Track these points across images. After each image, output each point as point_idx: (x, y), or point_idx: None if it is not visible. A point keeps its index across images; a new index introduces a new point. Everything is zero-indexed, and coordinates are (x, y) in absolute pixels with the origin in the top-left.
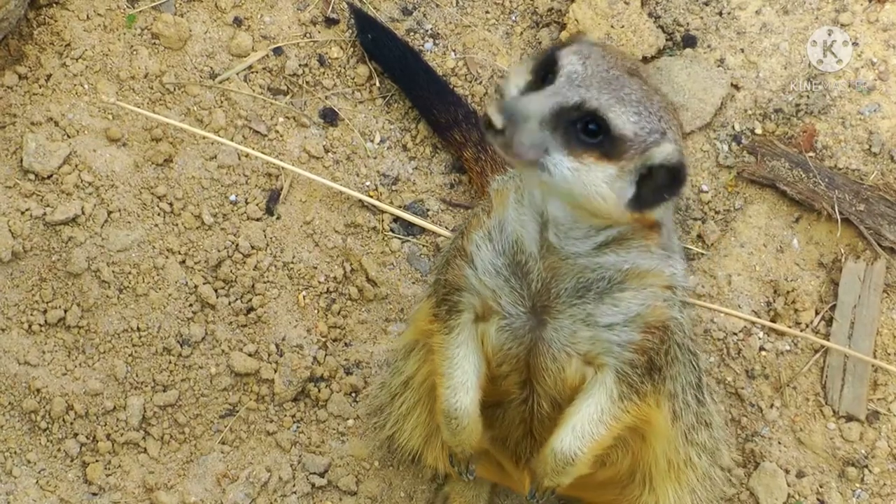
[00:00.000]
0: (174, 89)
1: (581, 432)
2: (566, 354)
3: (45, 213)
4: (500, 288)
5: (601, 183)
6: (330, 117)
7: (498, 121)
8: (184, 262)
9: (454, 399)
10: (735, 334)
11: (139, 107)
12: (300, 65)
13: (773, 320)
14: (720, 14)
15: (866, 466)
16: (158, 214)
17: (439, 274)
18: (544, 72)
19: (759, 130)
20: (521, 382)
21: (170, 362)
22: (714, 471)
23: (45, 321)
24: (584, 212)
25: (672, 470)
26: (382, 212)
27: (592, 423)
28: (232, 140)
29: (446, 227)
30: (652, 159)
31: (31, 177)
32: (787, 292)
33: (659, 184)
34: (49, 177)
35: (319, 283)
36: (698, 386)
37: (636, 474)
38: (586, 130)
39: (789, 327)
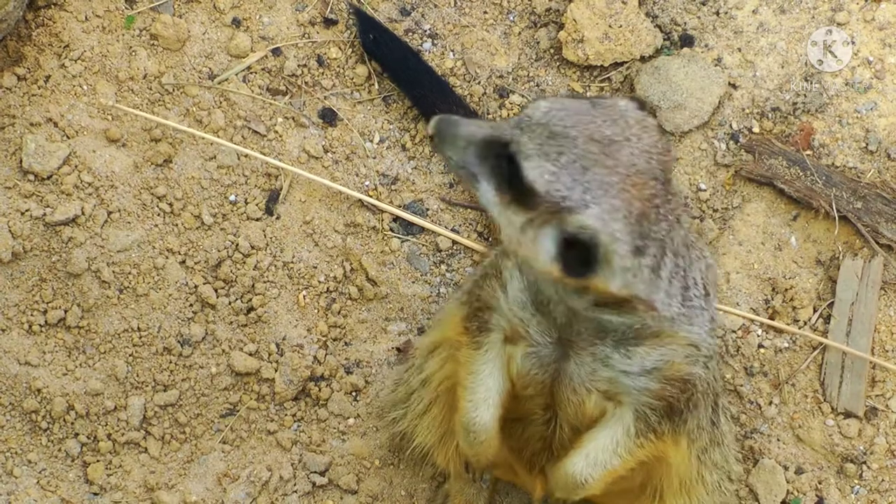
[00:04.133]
0: (173, 90)
1: (594, 460)
2: (586, 390)
3: (44, 214)
4: (527, 319)
5: (513, 226)
6: (329, 117)
7: (430, 129)
8: (184, 262)
9: (474, 414)
10: (734, 332)
11: (138, 108)
12: (299, 65)
13: (771, 318)
14: (717, 13)
15: (865, 463)
16: (158, 215)
17: (475, 286)
18: None
19: (756, 129)
20: (544, 405)
21: (170, 362)
22: (724, 484)
23: (46, 321)
24: None
25: (683, 487)
26: (382, 211)
27: (606, 454)
28: (231, 140)
29: (446, 227)
30: (565, 225)
31: (31, 177)
32: (786, 290)
33: (585, 256)
34: (49, 177)
35: (319, 282)
36: (714, 409)
37: (647, 487)
38: (511, 171)
39: (788, 325)
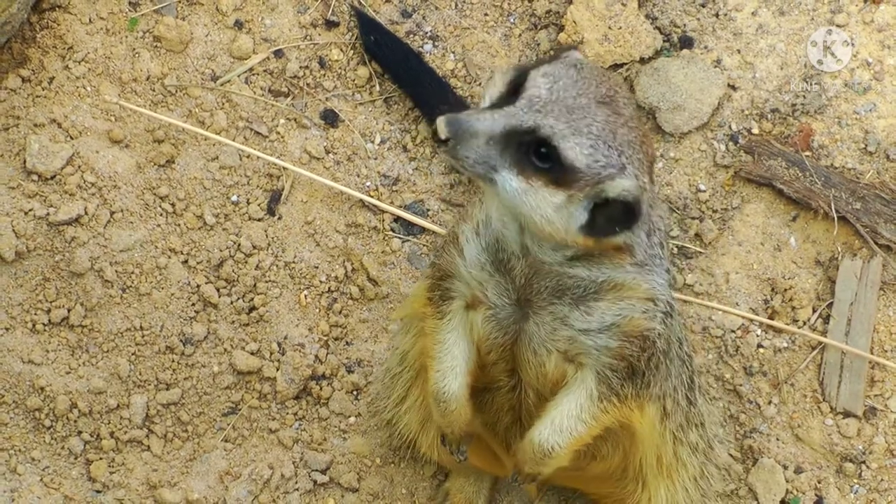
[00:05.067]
0: (176, 91)
1: (559, 427)
2: (546, 350)
3: (48, 214)
4: (485, 281)
5: (547, 207)
6: (330, 118)
7: (443, 133)
8: (186, 261)
9: (443, 383)
10: (733, 332)
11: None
12: (301, 67)
13: (770, 318)
14: (717, 15)
15: (864, 462)
16: (161, 215)
17: (436, 258)
18: (516, 87)
19: (755, 130)
20: (508, 371)
21: (173, 361)
22: (708, 469)
23: (49, 320)
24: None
25: (663, 468)
26: (383, 212)
27: (571, 420)
28: (233, 141)
29: (446, 227)
30: (606, 192)
31: (35, 177)
32: (785, 290)
33: (613, 215)
34: (52, 177)
35: (321, 282)
36: (690, 387)
37: (628, 470)
38: (538, 154)
39: (787, 325)
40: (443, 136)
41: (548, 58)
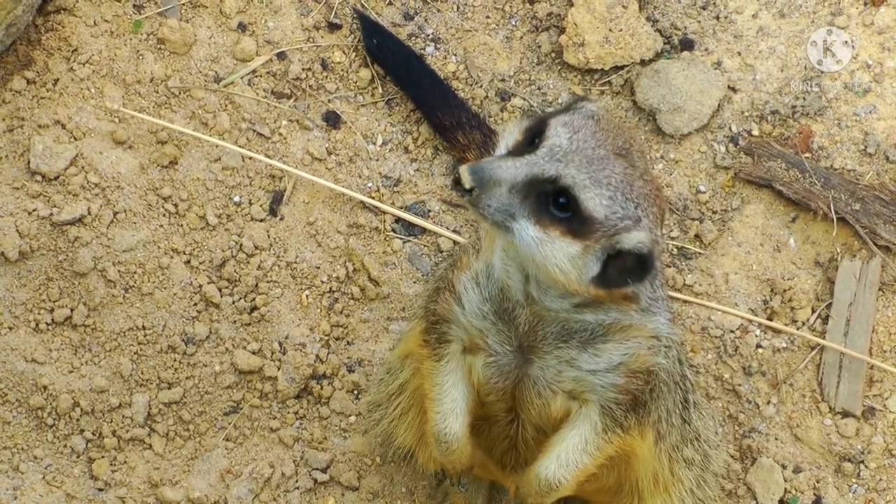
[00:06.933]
0: (179, 93)
1: (566, 461)
2: (551, 391)
3: (51, 214)
4: (487, 329)
5: (563, 258)
6: (332, 120)
7: (467, 182)
8: (188, 261)
9: (444, 425)
10: (732, 332)
11: (144, 111)
12: (303, 69)
13: (769, 318)
14: (717, 18)
15: (862, 462)
16: (163, 215)
17: (429, 302)
18: (534, 135)
19: (755, 132)
20: (507, 409)
21: (174, 360)
22: (705, 477)
23: (52, 320)
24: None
25: (659, 484)
26: (384, 212)
27: (577, 453)
28: (236, 143)
29: (447, 228)
30: (621, 244)
31: (38, 178)
32: (784, 290)
33: (626, 267)
34: (56, 178)
35: (322, 282)
36: (685, 407)
37: (623, 486)
38: (557, 204)
39: (786, 325)
40: (467, 186)
41: (563, 107)
